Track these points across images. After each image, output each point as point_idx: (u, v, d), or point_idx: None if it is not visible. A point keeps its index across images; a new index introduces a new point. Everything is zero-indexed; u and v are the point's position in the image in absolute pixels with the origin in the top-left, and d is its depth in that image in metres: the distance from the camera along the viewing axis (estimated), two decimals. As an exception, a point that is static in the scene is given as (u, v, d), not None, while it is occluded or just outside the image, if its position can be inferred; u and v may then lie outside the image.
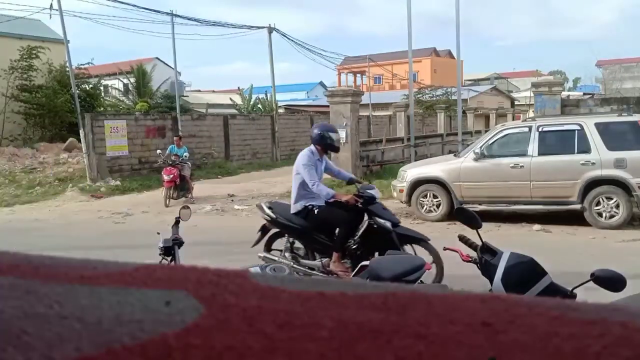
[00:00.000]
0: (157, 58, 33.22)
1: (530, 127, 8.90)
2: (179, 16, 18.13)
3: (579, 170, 8.39)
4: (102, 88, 24.32)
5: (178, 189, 11.97)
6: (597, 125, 8.47)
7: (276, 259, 5.33)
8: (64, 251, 6.99)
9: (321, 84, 51.70)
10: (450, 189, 9.20)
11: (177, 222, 3.81)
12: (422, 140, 18.38)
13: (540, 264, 2.49)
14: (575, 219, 8.50)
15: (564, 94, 18.53)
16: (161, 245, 3.52)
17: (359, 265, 3.07)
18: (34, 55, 20.18)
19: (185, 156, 12.52)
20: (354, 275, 3.02)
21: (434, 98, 31.77)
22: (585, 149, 8.42)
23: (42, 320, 0.32)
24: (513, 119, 30.67)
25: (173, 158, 12.00)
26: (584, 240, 7.75)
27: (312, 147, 5.70)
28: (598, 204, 8.35)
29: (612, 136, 8.43)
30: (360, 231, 5.29)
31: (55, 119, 20.55)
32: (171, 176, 11.70)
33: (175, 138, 12.87)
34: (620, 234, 7.99)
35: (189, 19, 19.18)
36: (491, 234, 7.62)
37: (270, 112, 23.59)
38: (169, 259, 3.49)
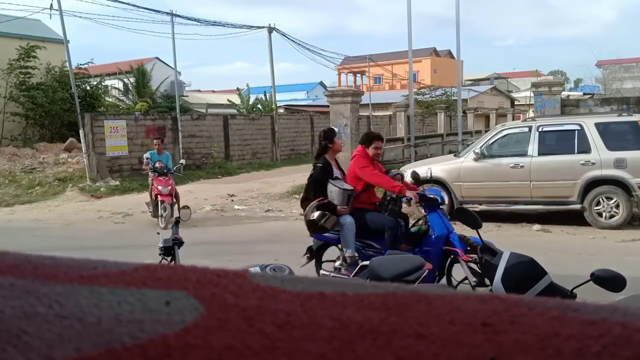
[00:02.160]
0: (156, 58, 33.24)
1: (530, 127, 8.90)
2: (179, 16, 18.14)
3: (579, 170, 8.39)
4: (103, 88, 24.31)
5: (173, 206, 9.47)
6: (597, 125, 8.47)
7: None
8: (64, 251, 6.98)
9: (321, 84, 51.70)
10: (451, 189, 9.20)
11: (177, 222, 3.81)
12: (422, 140, 18.38)
13: (540, 264, 2.48)
14: (575, 219, 8.50)
15: (564, 94, 18.53)
16: (161, 245, 3.52)
17: (359, 265, 3.07)
18: (32, 54, 20.18)
19: (182, 163, 10.62)
20: (353, 275, 3.01)
21: (434, 98, 31.77)
22: (585, 149, 8.42)
23: (42, 320, 0.32)
24: (513, 119, 30.68)
25: (158, 164, 9.71)
26: (584, 240, 7.75)
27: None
28: (598, 204, 8.35)
29: (612, 136, 8.43)
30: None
31: (54, 119, 20.55)
32: (169, 187, 9.48)
33: (155, 141, 10.25)
34: (620, 234, 7.99)
35: (189, 19, 19.20)
36: (491, 234, 7.62)
37: (270, 112, 23.59)
38: (169, 259, 3.49)
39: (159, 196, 9.45)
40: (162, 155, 10.05)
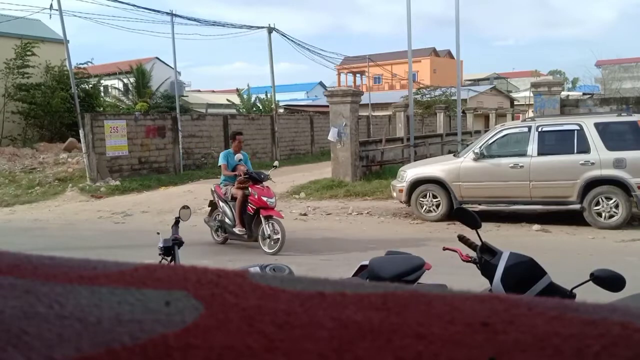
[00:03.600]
0: (156, 58, 33.23)
1: (529, 127, 8.90)
2: (179, 16, 18.13)
3: (578, 170, 8.39)
4: (101, 88, 24.31)
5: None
6: (597, 125, 8.47)
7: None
8: (64, 251, 6.99)
9: (321, 84, 51.73)
10: (450, 189, 9.20)
11: (177, 222, 3.80)
12: (421, 140, 18.38)
13: (539, 264, 2.48)
14: (574, 219, 8.50)
15: (564, 94, 18.54)
16: (161, 245, 3.51)
17: (359, 265, 3.07)
18: (29, 53, 20.18)
19: (276, 166, 8.45)
20: (353, 275, 3.01)
21: (433, 98, 31.81)
22: (584, 149, 8.42)
23: (42, 320, 0.32)
24: (512, 119, 30.72)
25: (242, 168, 7.59)
26: (583, 240, 7.75)
27: None
28: (597, 204, 8.35)
29: (612, 136, 8.44)
30: None
31: (54, 119, 20.55)
32: (274, 199, 7.48)
33: (237, 137, 7.97)
34: (620, 234, 7.99)
35: (189, 19, 19.17)
36: (491, 234, 7.62)
37: (270, 112, 23.59)
38: (169, 259, 3.49)
39: (261, 211, 7.18)
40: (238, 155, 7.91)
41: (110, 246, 8.08)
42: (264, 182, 7.50)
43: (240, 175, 7.45)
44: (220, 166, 7.89)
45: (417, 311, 0.34)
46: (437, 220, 9.24)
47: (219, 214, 7.94)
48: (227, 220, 7.67)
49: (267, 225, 7.14)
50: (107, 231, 9.52)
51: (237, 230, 7.47)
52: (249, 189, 7.35)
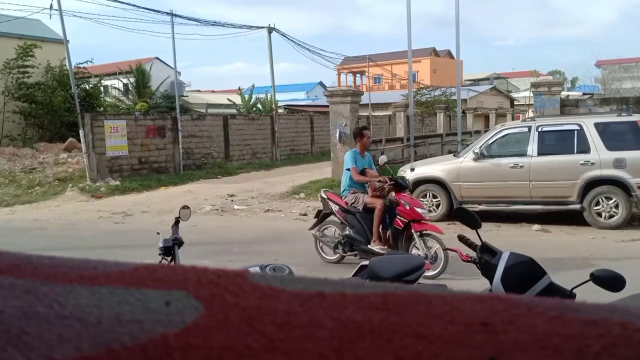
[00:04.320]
0: (156, 58, 33.23)
1: (529, 127, 8.91)
2: (179, 16, 18.13)
3: (578, 170, 8.39)
4: (101, 88, 24.31)
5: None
6: (597, 125, 8.47)
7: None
8: (64, 251, 7.00)
9: (321, 84, 51.76)
10: (450, 189, 9.20)
11: (176, 222, 3.80)
12: (421, 140, 18.40)
13: (539, 264, 2.48)
14: (574, 219, 8.50)
15: (563, 94, 18.55)
16: (161, 245, 3.51)
17: (359, 265, 3.07)
18: (30, 53, 20.19)
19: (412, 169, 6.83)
20: (353, 275, 3.02)
21: (432, 98, 31.81)
22: (584, 149, 8.42)
23: (42, 320, 0.32)
24: (512, 119, 30.73)
25: (370, 171, 6.50)
26: (583, 240, 7.75)
27: None
28: (597, 204, 8.35)
29: (612, 136, 8.44)
30: None
31: (54, 119, 20.56)
32: (426, 210, 6.60)
33: (364, 132, 6.58)
34: (620, 234, 7.99)
35: (189, 19, 19.18)
36: (491, 234, 7.63)
37: (270, 112, 23.60)
38: (169, 259, 3.49)
39: (413, 225, 5.84)
40: (365, 159, 6.53)
41: (110, 246, 8.08)
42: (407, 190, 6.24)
43: (385, 182, 6.07)
44: (348, 170, 6.38)
45: (417, 311, 0.34)
46: (437, 220, 9.21)
47: (327, 227, 6.65)
48: (355, 235, 6.20)
49: (420, 242, 5.78)
50: (107, 231, 9.52)
51: (375, 248, 5.94)
52: (395, 197, 6.00)
